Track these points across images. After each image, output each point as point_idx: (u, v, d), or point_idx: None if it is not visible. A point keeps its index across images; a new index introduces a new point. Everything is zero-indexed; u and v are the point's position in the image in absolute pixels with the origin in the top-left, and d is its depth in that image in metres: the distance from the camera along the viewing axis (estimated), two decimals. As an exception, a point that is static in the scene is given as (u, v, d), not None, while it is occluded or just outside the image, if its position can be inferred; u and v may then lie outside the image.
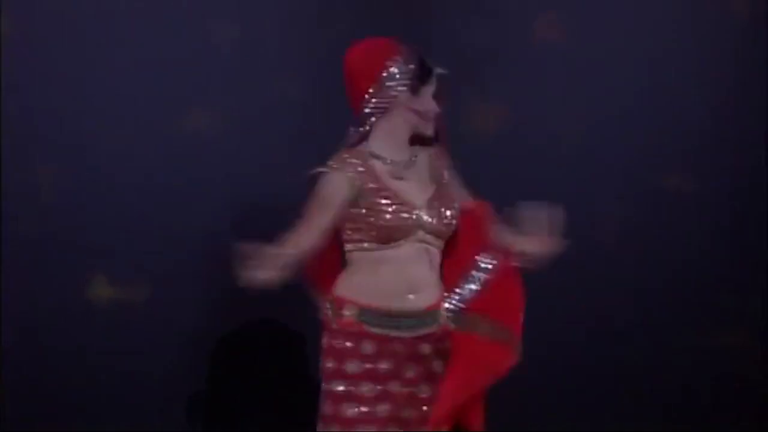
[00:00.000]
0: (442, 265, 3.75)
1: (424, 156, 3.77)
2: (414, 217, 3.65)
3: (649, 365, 5.25)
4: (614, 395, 5.23)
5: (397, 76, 3.68)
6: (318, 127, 4.88)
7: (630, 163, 5.22)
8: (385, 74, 3.67)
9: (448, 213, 3.68)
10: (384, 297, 3.66)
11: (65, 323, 5.04)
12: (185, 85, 5.04)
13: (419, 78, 3.69)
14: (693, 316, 5.26)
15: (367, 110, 3.70)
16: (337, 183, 3.67)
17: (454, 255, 3.75)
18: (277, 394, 4.96)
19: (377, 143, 3.72)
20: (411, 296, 3.66)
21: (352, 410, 3.63)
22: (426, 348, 3.69)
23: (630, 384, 5.24)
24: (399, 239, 3.65)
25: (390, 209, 3.65)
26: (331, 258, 3.74)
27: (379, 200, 3.66)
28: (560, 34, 5.18)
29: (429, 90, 3.71)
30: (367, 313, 3.66)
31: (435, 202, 3.69)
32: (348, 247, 3.71)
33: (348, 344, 3.66)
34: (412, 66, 3.69)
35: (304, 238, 3.65)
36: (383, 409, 3.64)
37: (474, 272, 3.70)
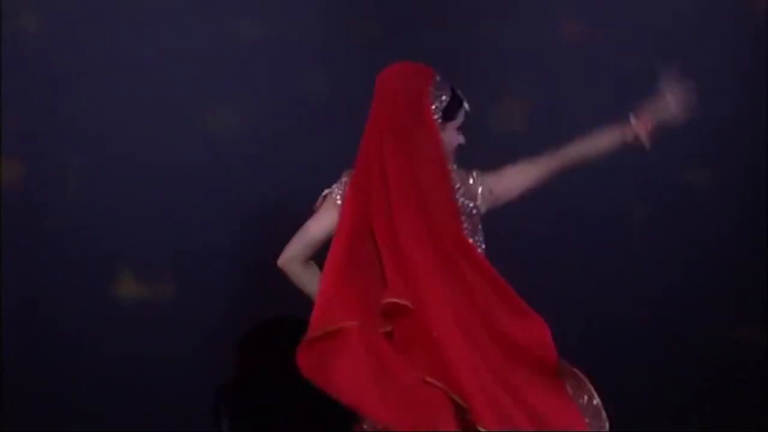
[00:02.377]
0: None
1: None
2: None
3: (666, 358, 5.28)
4: (631, 388, 5.24)
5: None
6: (342, 126, 4.91)
7: (648, 159, 5.24)
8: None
9: None
10: None
11: (91, 320, 5.09)
12: (212, 83, 5.08)
13: (448, 112, 3.69)
14: (710, 309, 5.29)
15: None
16: (324, 208, 3.76)
17: None
18: (301, 393, 4.96)
19: None
20: None
21: None
22: None
23: (647, 376, 5.28)
24: None
25: None
26: None
27: None
28: (581, 32, 5.21)
29: (454, 124, 3.71)
30: None
31: None
32: None
33: None
34: (443, 98, 3.68)
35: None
36: None
37: None
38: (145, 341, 5.08)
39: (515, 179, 3.76)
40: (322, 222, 3.73)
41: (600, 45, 5.21)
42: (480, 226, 3.72)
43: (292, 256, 3.76)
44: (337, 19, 5.13)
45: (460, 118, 3.73)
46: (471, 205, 3.69)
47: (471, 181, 3.71)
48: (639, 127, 3.72)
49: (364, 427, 3.68)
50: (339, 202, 3.71)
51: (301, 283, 3.79)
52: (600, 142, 3.76)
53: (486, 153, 4.86)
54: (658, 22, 5.22)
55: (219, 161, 5.09)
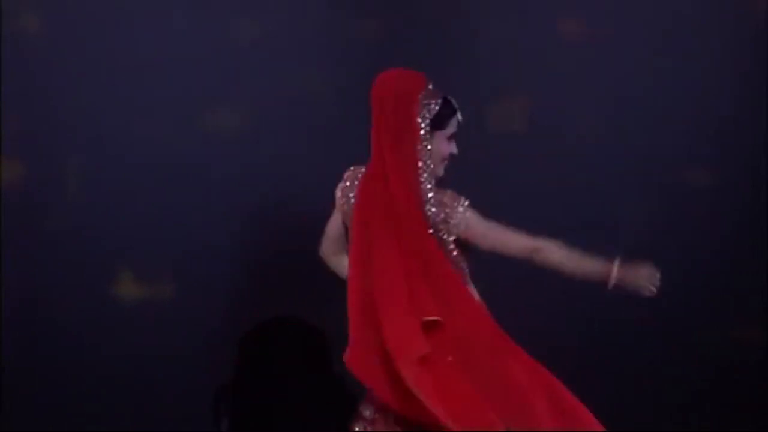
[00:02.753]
0: None
1: None
2: None
3: (666, 358, 5.26)
4: (631, 388, 5.25)
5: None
6: (342, 126, 4.91)
7: (649, 159, 5.24)
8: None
9: None
10: None
11: (91, 320, 5.08)
12: (212, 83, 5.07)
13: (438, 121, 3.65)
14: (710, 309, 5.27)
15: None
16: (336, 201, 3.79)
17: None
18: (301, 392, 4.96)
19: None
20: None
21: None
22: None
23: (647, 376, 5.27)
24: None
25: None
26: None
27: None
28: (581, 32, 5.21)
29: (444, 133, 3.67)
30: None
31: None
32: None
33: None
34: (433, 107, 3.64)
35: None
36: None
37: None
38: (145, 341, 5.08)
39: (497, 236, 3.69)
40: (331, 219, 3.83)
41: (600, 45, 5.20)
42: (452, 247, 3.67)
43: (323, 251, 3.89)
44: (337, 19, 5.12)
45: (451, 128, 3.68)
46: (441, 218, 3.65)
47: (455, 204, 3.65)
48: (615, 277, 3.85)
49: (357, 429, 3.69)
50: (341, 201, 3.73)
51: (338, 272, 3.87)
52: (583, 265, 3.84)
53: (485, 153, 4.90)
54: (658, 22, 5.22)
55: (219, 161, 5.09)
